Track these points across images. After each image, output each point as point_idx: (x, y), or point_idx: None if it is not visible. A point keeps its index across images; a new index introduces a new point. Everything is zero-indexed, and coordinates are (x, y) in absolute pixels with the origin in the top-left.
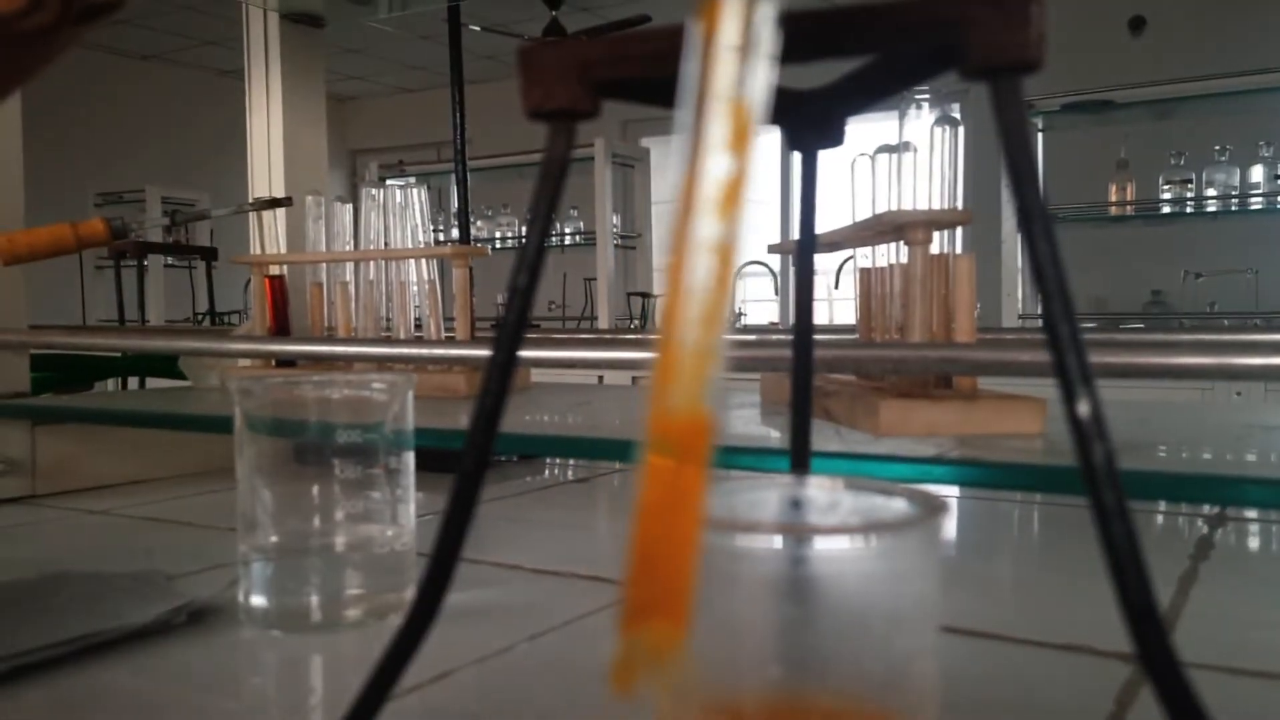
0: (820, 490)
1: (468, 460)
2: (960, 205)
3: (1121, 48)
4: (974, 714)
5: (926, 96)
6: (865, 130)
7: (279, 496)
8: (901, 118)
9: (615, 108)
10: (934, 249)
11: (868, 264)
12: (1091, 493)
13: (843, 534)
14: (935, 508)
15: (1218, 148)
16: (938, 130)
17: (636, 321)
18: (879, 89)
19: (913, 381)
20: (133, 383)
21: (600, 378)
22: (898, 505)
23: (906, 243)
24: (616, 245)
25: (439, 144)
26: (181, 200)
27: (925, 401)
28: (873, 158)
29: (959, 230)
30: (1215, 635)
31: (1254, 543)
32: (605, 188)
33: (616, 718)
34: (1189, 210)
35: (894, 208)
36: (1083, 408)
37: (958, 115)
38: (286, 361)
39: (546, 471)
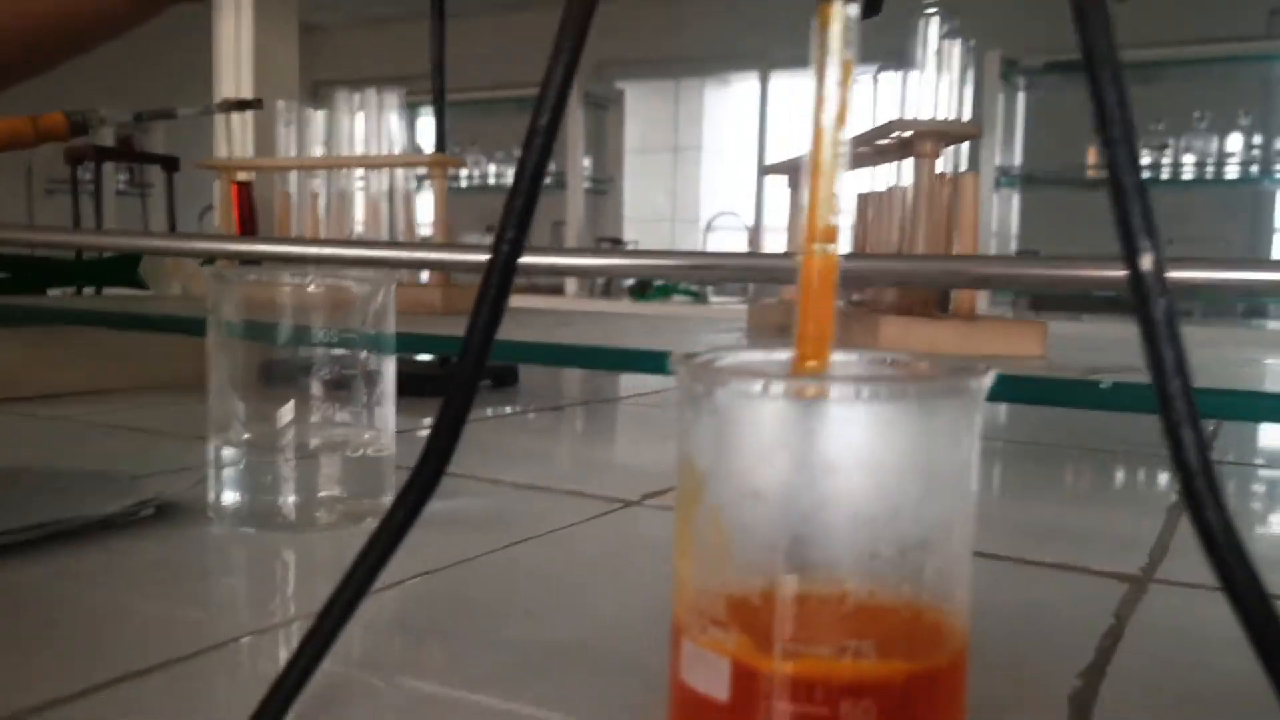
0: (867, 361)
1: (474, 337)
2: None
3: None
4: (981, 627)
5: (935, 10)
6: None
7: (251, 393)
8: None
9: (589, 49)
10: (940, 167)
11: (864, 190)
12: (1150, 348)
13: (897, 385)
14: (978, 371)
15: (1197, 114)
16: (946, 44)
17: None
18: None
19: (913, 301)
20: (87, 292)
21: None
22: (939, 369)
23: (915, 155)
24: (587, 189)
25: (406, 78)
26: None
27: (926, 320)
28: (875, 76)
29: (964, 150)
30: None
31: (1241, 483)
32: (578, 129)
33: (598, 615)
34: (1165, 177)
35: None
36: (1146, 261)
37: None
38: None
39: (519, 401)
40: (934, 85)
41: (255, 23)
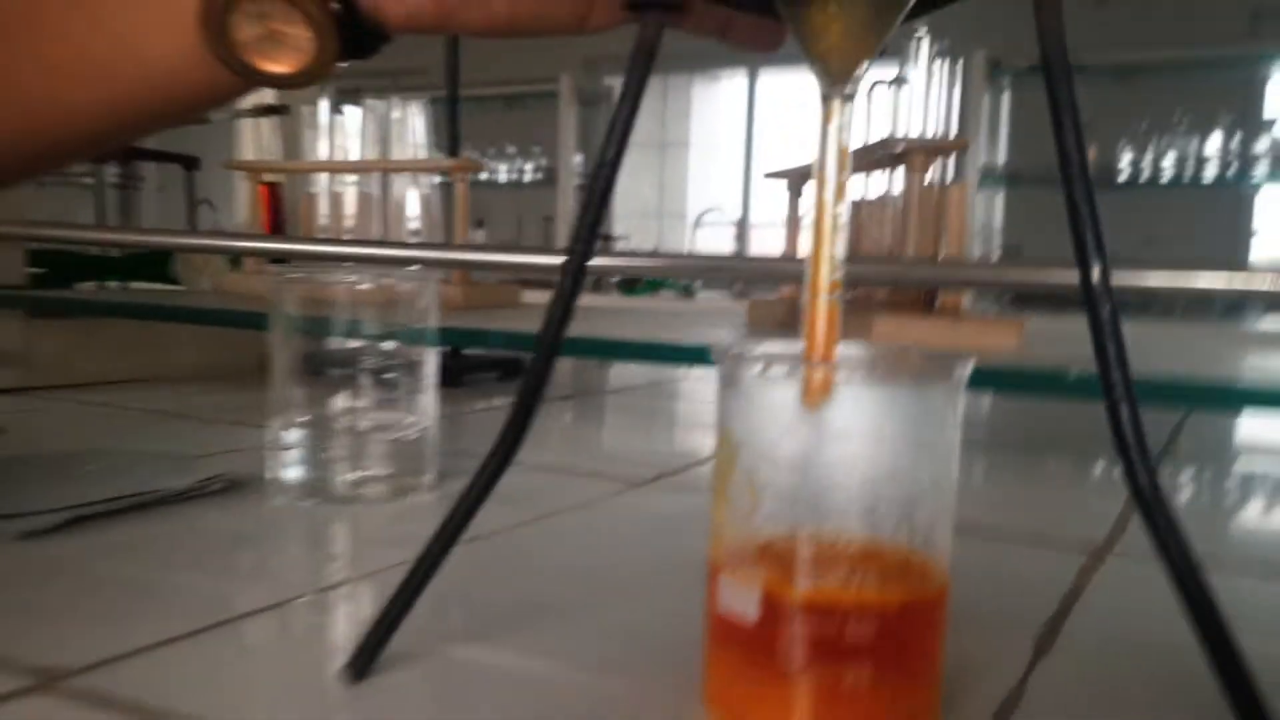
0: (869, 353)
1: (546, 336)
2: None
3: (1091, 14)
4: (961, 586)
5: (926, 31)
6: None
7: (308, 381)
8: (902, 54)
9: (577, 45)
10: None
11: (856, 197)
12: (1097, 341)
13: (900, 372)
14: (961, 362)
15: (1176, 118)
16: (936, 63)
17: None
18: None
19: (904, 299)
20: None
21: None
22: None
23: (906, 168)
24: (578, 185)
25: (394, 72)
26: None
27: (916, 317)
28: (869, 93)
29: (951, 163)
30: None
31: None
32: (570, 125)
33: (630, 575)
34: (1144, 179)
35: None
36: (1096, 270)
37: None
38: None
39: None
40: (924, 101)
41: None
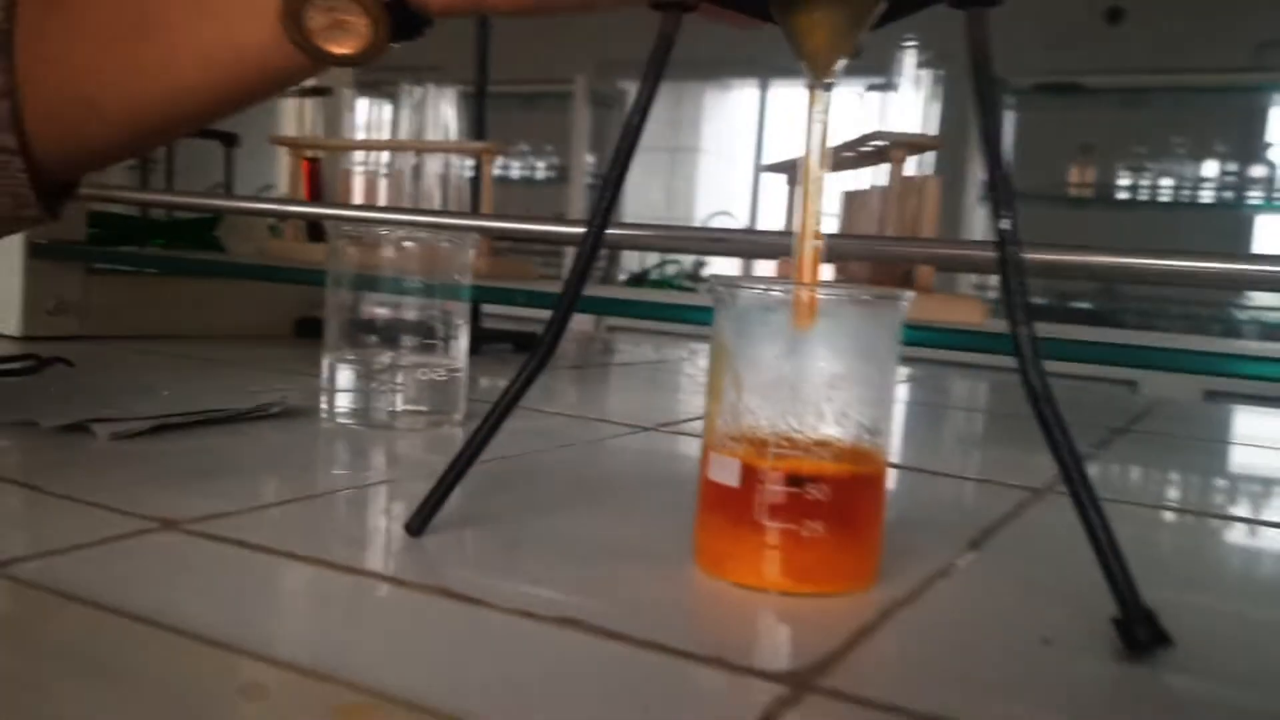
0: (835, 288)
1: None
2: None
3: (1098, 36)
4: (906, 519)
5: (914, 42)
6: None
7: (358, 325)
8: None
9: (592, 48)
10: (911, 172)
11: (850, 189)
12: (1004, 284)
13: (856, 294)
14: (902, 296)
15: (1176, 140)
16: (922, 72)
17: (604, 262)
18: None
19: (880, 277)
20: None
21: None
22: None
23: (888, 160)
24: (589, 185)
25: (424, 68)
26: None
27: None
28: (862, 95)
29: (932, 158)
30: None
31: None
32: (583, 126)
33: (637, 484)
34: (1143, 198)
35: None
36: (1004, 223)
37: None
38: (318, 237)
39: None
40: (909, 104)
41: None
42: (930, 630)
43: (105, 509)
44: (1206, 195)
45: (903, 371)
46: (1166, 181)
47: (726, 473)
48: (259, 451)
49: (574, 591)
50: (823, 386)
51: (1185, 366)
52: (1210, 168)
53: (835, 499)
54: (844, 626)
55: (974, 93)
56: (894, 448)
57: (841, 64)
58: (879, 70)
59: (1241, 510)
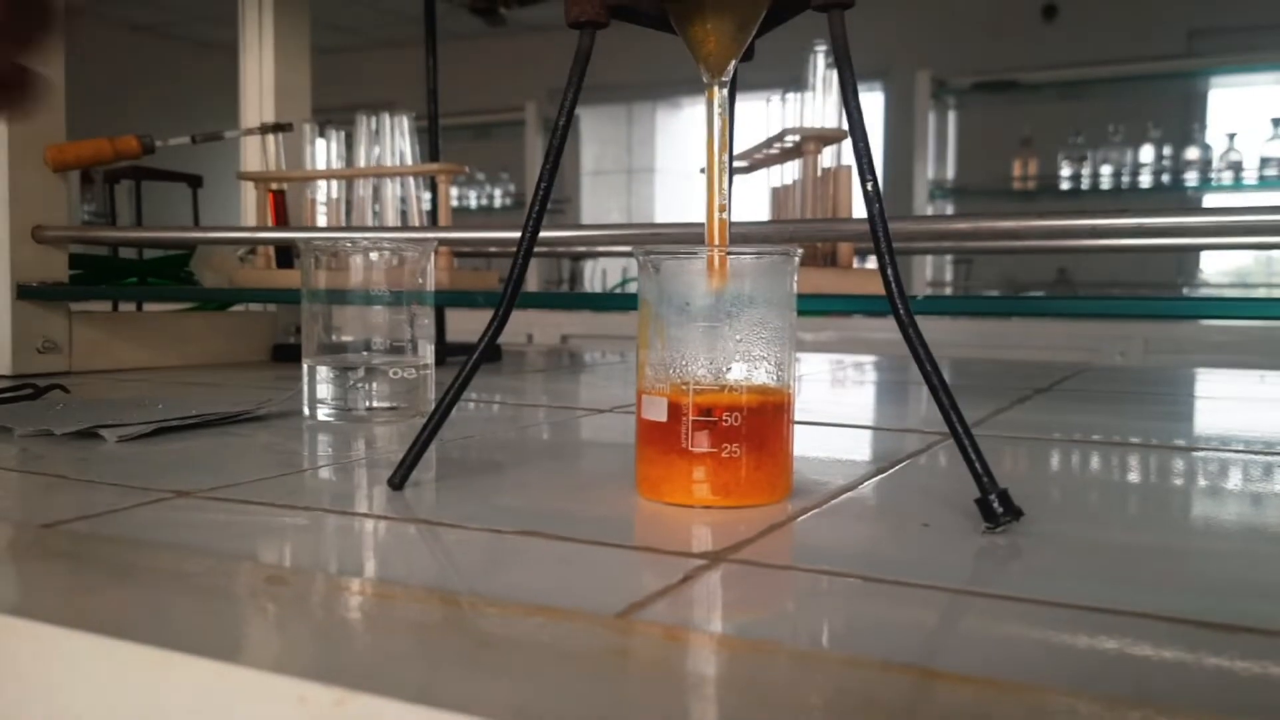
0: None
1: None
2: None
3: (1034, 33)
4: (828, 459)
5: (824, 46)
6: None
7: (334, 327)
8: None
9: (543, 75)
10: (828, 164)
11: (777, 184)
12: (873, 233)
13: (759, 251)
14: (795, 251)
15: (1111, 128)
16: (830, 73)
17: (565, 285)
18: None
19: (811, 259)
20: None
21: (529, 336)
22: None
23: (802, 154)
24: (548, 210)
25: (376, 105)
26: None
27: (814, 269)
28: (783, 96)
29: (845, 149)
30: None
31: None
32: (536, 152)
33: (591, 446)
34: (1085, 187)
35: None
36: (869, 185)
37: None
38: (287, 264)
39: (505, 370)
40: (821, 103)
41: (275, 58)
42: (832, 526)
43: (127, 487)
44: (1145, 180)
45: (865, 359)
46: (1107, 169)
47: (656, 410)
48: (252, 444)
49: (534, 516)
50: (732, 332)
51: (1106, 312)
52: (1147, 153)
53: (748, 425)
54: (759, 524)
55: (838, 80)
56: (835, 412)
57: (733, 66)
58: (794, 72)
59: (1102, 436)
